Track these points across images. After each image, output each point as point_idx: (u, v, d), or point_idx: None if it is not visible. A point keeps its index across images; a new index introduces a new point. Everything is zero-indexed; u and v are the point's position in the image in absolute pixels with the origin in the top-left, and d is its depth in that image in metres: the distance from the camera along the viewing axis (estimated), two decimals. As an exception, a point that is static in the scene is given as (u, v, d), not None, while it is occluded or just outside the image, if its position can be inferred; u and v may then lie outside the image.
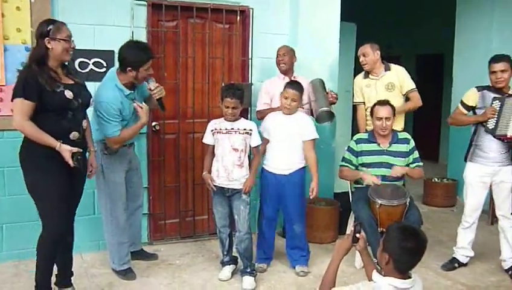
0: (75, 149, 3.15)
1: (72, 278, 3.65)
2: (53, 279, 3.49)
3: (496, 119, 4.03)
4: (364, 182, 4.14)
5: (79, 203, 3.58)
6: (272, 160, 4.13)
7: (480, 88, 4.22)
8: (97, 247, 4.48)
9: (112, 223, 3.97)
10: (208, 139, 3.99)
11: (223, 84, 4.18)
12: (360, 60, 4.67)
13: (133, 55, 3.69)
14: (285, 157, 4.10)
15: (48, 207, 3.23)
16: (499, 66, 4.02)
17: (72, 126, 3.24)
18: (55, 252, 3.35)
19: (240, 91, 3.87)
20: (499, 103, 4.03)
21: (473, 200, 4.26)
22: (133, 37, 4.44)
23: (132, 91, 3.80)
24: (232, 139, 3.87)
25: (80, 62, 4.28)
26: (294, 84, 4.06)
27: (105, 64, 4.37)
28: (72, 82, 3.29)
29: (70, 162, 3.12)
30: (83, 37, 4.24)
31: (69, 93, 3.19)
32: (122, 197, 3.99)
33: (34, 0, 4.06)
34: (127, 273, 4.04)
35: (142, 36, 4.51)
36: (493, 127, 4.05)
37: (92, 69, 4.34)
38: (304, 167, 4.18)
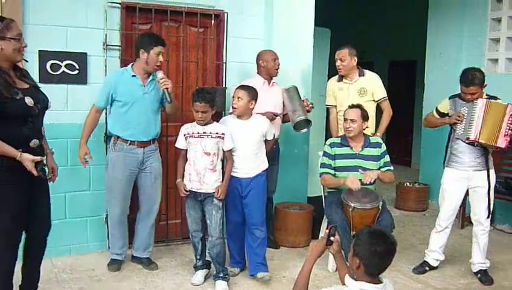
0: (37, 158, 2.97)
1: None
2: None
3: (464, 125, 4.13)
4: (347, 185, 4.12)
5: (50, 210, 3.34)
6: (235, 165, 4.08)
7: (452, 96, 4.32)
8: (68, 251, 4.43)
9: (109, 215, 4.25)
10: (180, 143, 3.96)
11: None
12: (337, 63, 4.70)
13: (146, 37, 4.04)
14: (247, 162, 4.07)
15: (3, 222, 2.98)
16: (468, 90, 4.08)
17: (32, 134, 3.03)
18: (12, 264, 3.09)
19: (210, 95, 3.84)
20: (466, 109, 4.13)
21: (448, 205, 4.32)
22: (106, 39, 4.41)
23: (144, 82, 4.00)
24: (203, 143, 3.86)
25: (52, 64, 4.22)
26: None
27: (77, 67, 4.32)
28: (27, 86, 3.05)
29: (34, 172, 2.93)
30: (55, 38, 4.22)
31: (29, 100, 2.96)
32: (119, 194, 4.12)
33: (4, 0, 3.99)
34: (111, 265, 4.27)
35: (115, 39, 4.48)
36: (462, 132, 4.15)
37: (64, 71, 4.28)
38: (265, 170, 4.18)
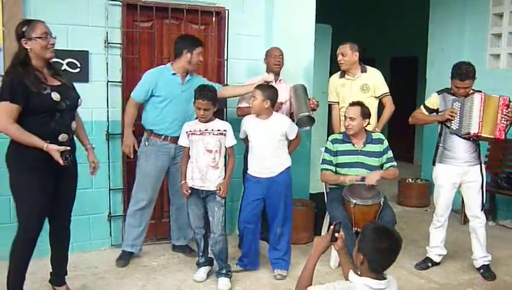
0: (62, 148, 3.12)
1: (66, 277, 3.67)
2: (47, 277, 3.66)
3: (458, 119, 4.12)
4: (346, 183, 4.14)
5: (73, 202, 3.56)
6: (253, 164, 4.10)
7: (440, 92, 4.32)
8: (71, 249, 4.37)
9: (131, 205, 4.33)
10: (183, 141, 3.97)
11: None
12: (338, 58, 4.72)
13: (189, 39, 4.24)
14: (266, 161, 4.06)
15: (24, 207, 3.22)
16: (464, 84, 4.09)
17: (60, 128, 3.22)
18: (29, 252, 3.29)
19: (212, 93, 3.85)
20: (459, 104, 4.12)
21: (443, 201, 4.33)
22: (107, 37, 4.41)
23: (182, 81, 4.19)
24: (206, 140, 3.86)
25: (54, 62, 4.21)
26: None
27: (79, 65, 4.33)
28: (59, 83, 3.26)
29: (60, 161, 3.10)
30: (57, 37, 4.20)
31: (56, 96, 3.16)
32: (149, 187, 4.26)
33: (5, -1, 4.01)
34: (123, 255, 4.37)
35: (116, 37, 4.49)
36: (457, 127, 4.14)
37: (65, 69, 4.27)
38: (289, 167, 4.17)
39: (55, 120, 3.19)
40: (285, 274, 4.16)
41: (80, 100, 3.42)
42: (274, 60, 4.66)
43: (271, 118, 4.07)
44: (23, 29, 3.13)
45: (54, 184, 3.28)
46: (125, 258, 4.38)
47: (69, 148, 3.18)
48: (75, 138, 3.48)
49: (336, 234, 2.65)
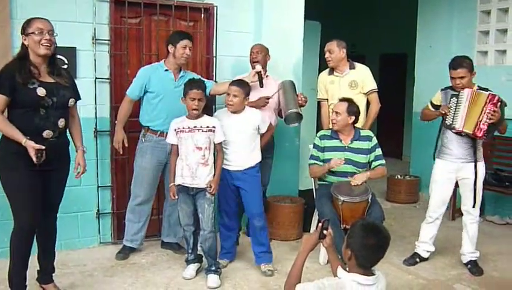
0: (37, 146, 3.14)
1: (53, 274, 3.68)
2: (35, 275, 3.63)
3: (452, 115, 4.14)
4: (331, 168, 4.18)
5: (61, 198, 3.59)
6: (228, 157, 4.12)
7: (444, 88, 4.32)
8: (59, 247, 4.36)
9: (130, 200, 4.41)
10: (170, 138, 3.96)
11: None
12: (326, 56, 4.72)
13: (174, 34, 4.33)
14: (240, 155, 4.11)
15: (17, 203, 3.28)
16: (456, 73, 4.10)
17: (45, 124, 3.25)
18: (27, 246, 3.35)
19: (203, 84, 3.93)
20: (456, 100, 4.14)
21: (437, 196, 4.35)
22: (95, 33, 4.39)
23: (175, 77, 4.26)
24: (195, 137, 3.85)
25: (57, 61, 4.17)
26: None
27: (66, 62, 4.28)
28: (52, 81, 3.29)
29: (34, 158, 3.14)
30: (57, 34, 4.17)
31: (41, 91, 3.20)
32: (145, 182, 4.33)
33: (-8, -5, 3.97)
34: (122, 251, 4.45)
35: (104, 33, 4.46)
36: (450, 122, 4.16)
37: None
38: (259, 162, 4.22)
39: (40, 116, 3.23)
40: (272, 268, 4.19)
41: (71, 100, 3.42)
42: (250, 57, 4.68)
43: (243, 112, 4.10)
44: (24, 25, 3.24)
45: (42, 179, 3.32)
46: (125, 253, 4.44)
47: (43, 147, 3.18)
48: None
49: (325, 231, 2.66)
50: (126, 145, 4.33)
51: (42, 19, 3.27)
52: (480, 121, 3.98)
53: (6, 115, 3.21)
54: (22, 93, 3.16)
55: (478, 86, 4.18)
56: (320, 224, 2.69)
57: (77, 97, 3.52)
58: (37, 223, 3.36)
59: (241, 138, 4.08)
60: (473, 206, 4.26)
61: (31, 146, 3.14)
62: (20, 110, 3.19)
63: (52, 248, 3.64)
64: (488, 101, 3.97)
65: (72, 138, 3.58)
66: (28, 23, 3.22)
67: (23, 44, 3.24)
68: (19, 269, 3.36)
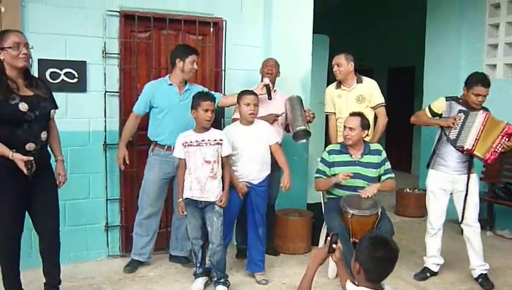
0: (25, 158, 3.15)
1: (59, 286, 3.67)
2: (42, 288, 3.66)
3: (458, 130, 4.13)
4: (339, 182, 4.17)
5: (57, 211, 3.58)
6: (242, 170, 4.15)
7: (449, 98, 4.29)
8: (67, 259, 4.40)
9: (138, 214, 4.42)
10: (178, 153, 3.95)
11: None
12: (334, 69, 4.73)
13: (181, 48, 4.34)
14: (253, 167, 4.16)
15: (2, 216, 3.30)
16: (485, 91, 4.07)
17: (28, 137, 3.26)
18: (13, 256, 3.41)
19: (213, 96, 3.97)
20: (463, 116, 4.13)
21: (435, 208, 4.34)
22: (105, 47, 4.43)
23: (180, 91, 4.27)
24: (203, 151, 3.85)
25: (51, 72, 4.24)
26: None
27: (76, 75, 4.34)
28: (31, 94, 3.29)
29: (24, 170, 3.15)
30: (54, 47, 4.24)
31: (23, 106, 3.20)
32: (152, 195, 4.34)
33: (4, 10, 4.01)
34: (130, 264, 4.45)
35: (114, 47, 4.50)
36: (454, 137, 4.15)
37: (63, 79, 4.30)
38: (268, 175, 4.29)
39: (23, 129, 3.23)
40: (265, 281, 4.24)
41: (53, 112, 3.45)
42: (266, 69, 4.69)
43: (255, 123, 4.17)
44: None
45: (27, 192, 3.34)
46: (133, 266, 4.45)
47: (32, 158, 3.19)
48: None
49: (334, 245, 2.64)
50: (128, 162, 4.37)
51: (16, 31, 3.29)
52: (493, 148, 4.02)
53: None
54: (4, 109, 3.14)
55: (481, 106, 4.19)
56: (329, 238, 2.68)
57: (55, 107, 3.52)
58: (20, 234, 3.40)
59: (255, 149, 4.12)
60: (461, 221, 4.27)
61: (20, 158, 3.15)
62: (2, 126, 3.18)
63: (56, 262, 3.64)
64: (504, 130, 4.02)
65: (51, 148, 3.57)
66: (3, 37, 3.18)
67: None
68: (10, 279, 3.43)
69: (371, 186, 4.17)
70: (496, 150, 4.03)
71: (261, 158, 4.16)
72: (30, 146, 3.27)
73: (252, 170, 4.15)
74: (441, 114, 4.29)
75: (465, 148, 4.08)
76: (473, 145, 4.06)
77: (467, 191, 4.21)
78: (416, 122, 4.60)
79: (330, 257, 2.69)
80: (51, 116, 3.46)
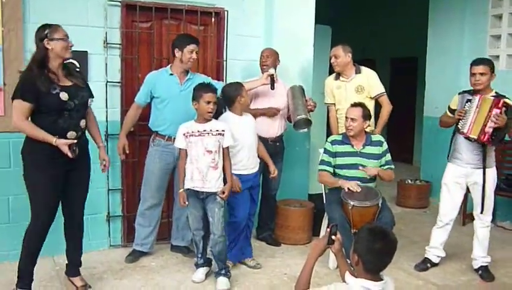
0: (69, 141, 3.34)
1: (80, 268, 3.86)
2: (64, 268, 3.89)
3: (464, 119, 4.12)
4: (344, 187, 4.13)
5: (85, 197, 3.76)
6: (242, 161, 4.17)
7: (461, 92, 4.32)
8: (69, 249, 4.44)
9: (140, 204, 4.46)
10: (179, 143, 3.94)
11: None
12: (332, 61, 4.73)
13: (180, 37, 4.32)
14: (252, 157, 4.24)
15: (39, 202, 3.44)
16: (478, 69, 4.09)
17: (69, 126, 3.41)
18: (39, 243, 3.52)
19: (215, 87, 3.96)
20: (469, 104, 4.12)
21: (447, 200, 4.34)
22: (106, 37, 4.42)
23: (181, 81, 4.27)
24: (205, 141, 3.85)
25: (69, 63, 4.20)
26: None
27: (78, 65, 4.31)
28: (70, 83, 3.45)
29: (69, 153, 3.31)
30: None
31: (64, 95, 3.35)
32: (153, 186, 4.36)
33: (5, 0, 4.00)
34: (132, 254, 4.48)
35: (116, 37, 4.49)
36: (460, 127, 4.15)
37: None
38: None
39: (64, 118, 3.39)
40: (259, 266, 4.38)
41: (90, 100, 3.61)
42: (260, 61, 4.70)
43: (245, 114, 4.22)
44: (46, 32, 3.35)
45: (64, 179, 3.50)
46: (135, 256, 4.47)
47: (75, 141, 3.38)
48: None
49: (333, 237, 2.64)
50: (127, 152, 4.39)
51: (60, 26, 3.44)
52: (486, 126, 3.96)
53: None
54: (46, 99, 3.31)
55: (496, 92, 4.16)
56: (328, 229, 2.68)
57: (92, 96, 3.65)
58: (52, 220, 3.53)
59: (252, 139, 4.20)
60: (481, 212, 4.24)
61: (64, 143, 3.31)
62: (44, 115, 3.35)
63: (79, 243, 3.83)
64: (493, 105, 3.96)
65: (91, 136, 3.76)
66: (54, 29, 3.36)
67: (43, 48, 3.34)
68: (28, 262, 3.53)
69: (374, 167, 4.21)
70: (489, 127, 3.94)
71: (256, 148, 4.26)
72: (71, 134, 3.41)
73: (254, 159, 4.22)
74: (456, 109, 4.30)
75: (464, 133, 4.07)
76: (470, 129, 4.04)
77: (483, 185, 4.19)
78: (443, 126, 4.54)
79: (330, 248, 2.69)
80: (89, 105, 3.62)
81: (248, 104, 4.08)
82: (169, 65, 4.36)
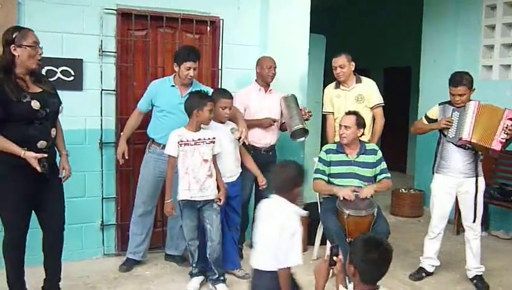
0: (39, 155, 3.13)
1: (59, 283, 3.65)
2: (41, 284, 3.63)
3: (455, 128, 4.14)
4: (340, 196, 4.11)
5: (63, 209, 3.55)
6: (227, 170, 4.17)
7: (442, 103, 4.33)
8: (62, 258, 4.38)
9: (134, 211, 4.44)
10: (172, 150, 3.85)
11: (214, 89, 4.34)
12: (337, 71, 4.70)
13: (179, 51, 4.25)
14: (234, 165, 4.25)
15: (10, 214, 3.29)
16: (456, 91, 4.12)
17: (39, 135, 3.23)
18: (18, 253, 3.38)
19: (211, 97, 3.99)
20: (458, 114, 4.14)
21: (439, 211, 4.33)
22: (101, 46, 4.41)
23: (182, 93, 4.21)
24: (201, 150, 3.84)
25: (48, 70, 4.20)
26: (227, 93, 4.16)
27: (73, 73, 4.32)
28: (40, 90, 3.26)
29: (38, 168, 3.11)
30: (51, 45, 4.18)
31: (35, 104, 3.17)
32: (146, 193, 4.35)
33: (0, 6, 3.99)
34: (125, 263, 4.44)
35: (111, 45, 4.48)
36: (453, 136, 4.16)
37: (59, 77, 4.27)
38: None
39: (35, 127, 3.20)
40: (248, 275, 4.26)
41: (60, 107, 3.44)
42: (269, 72, 4.65)
43: (227, 123, 4.23)
44: (14, 35, 3.12)
45: (35, 189, 3.30)
46: (129, 265, 4.45)
47: (46, 155, 3.18)
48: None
49: (334, 258, 2.59)
50: (126, 157, 4.37)
51: (32, 30, 3.23)
52: (498, 136, 3.99)
53: None
54: (16, 108, 3.11)
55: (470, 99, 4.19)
56: (329, 251, 2.65)
57: (61, 102, 3.47)
58: (26, 233, 3.37)
59: (233, 147, 4.20)
60: (473, 221, 4.25)
61: (33, 156, 3.10)
62: (14, 124, 3.14)
63: (58, 259, 3.63)
64: (505, 116, 4.00)
65: (55, 144, 3.51)
66: (22, 34, 3.14)
67: (10, 54, 3.12)
68: (15, 275, 3.41)
69: (368, 187, 4.17)
70: (502, 138, 3.99)
71: (233, 158, 4.23)
72: (42, 144, 3.23)
73: (235, 166, 4.25)
74: (436, 119, 4.32)
75: (463, 139, 4.07)
76: (471, 134, 4.05)
77: (475, 194, 4.20)
78: (415, 133, 4.66)
79: (332, 270, 2.62)
80: (60, 112, 3.45)
81: (208, 122, 3.89)
82: (173, 74, 4.32)
